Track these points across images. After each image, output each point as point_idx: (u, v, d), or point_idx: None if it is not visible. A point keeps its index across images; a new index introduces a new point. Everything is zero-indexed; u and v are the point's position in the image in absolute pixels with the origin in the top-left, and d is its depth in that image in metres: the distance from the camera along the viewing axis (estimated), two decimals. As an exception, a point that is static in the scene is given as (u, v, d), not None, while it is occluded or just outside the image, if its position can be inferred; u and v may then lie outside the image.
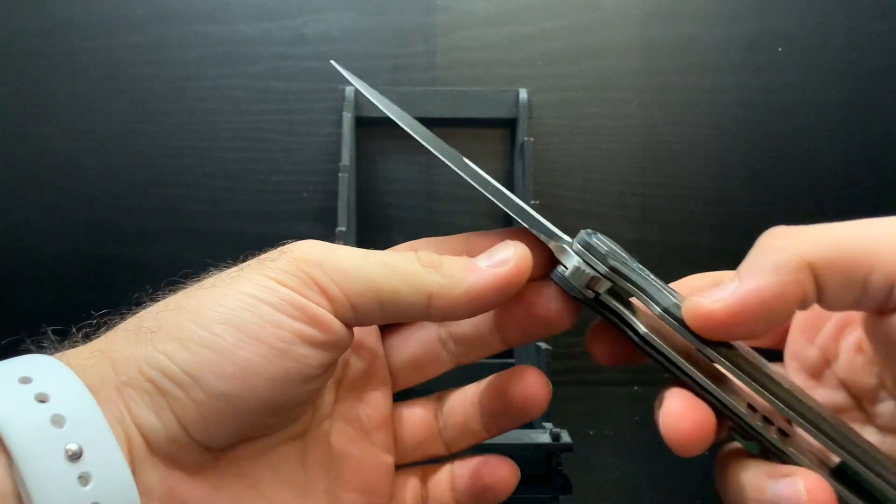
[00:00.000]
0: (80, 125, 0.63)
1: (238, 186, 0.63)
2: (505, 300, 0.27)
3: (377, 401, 0.30)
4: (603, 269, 0.26)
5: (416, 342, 0.31)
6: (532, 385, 0.29)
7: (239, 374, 0.23)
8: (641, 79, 0.64)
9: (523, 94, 0.62)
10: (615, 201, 0.64)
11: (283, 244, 0.26)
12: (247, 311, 0.24)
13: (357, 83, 0.33)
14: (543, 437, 0.51)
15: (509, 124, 0.63)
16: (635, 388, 0.65)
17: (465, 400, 0.31)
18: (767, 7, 0.65)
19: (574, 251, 0.27)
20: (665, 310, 0.26)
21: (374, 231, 0.64)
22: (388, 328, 0.31)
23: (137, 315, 0.25)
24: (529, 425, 0.55)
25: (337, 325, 0.25)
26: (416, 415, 0.31)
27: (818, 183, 0.65)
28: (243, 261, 0.26)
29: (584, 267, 0.26)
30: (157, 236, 0.63)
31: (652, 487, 0.65)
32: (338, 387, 0.29)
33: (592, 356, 0.29)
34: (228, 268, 0.26)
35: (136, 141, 0.63)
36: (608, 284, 0.26)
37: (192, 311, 0.24)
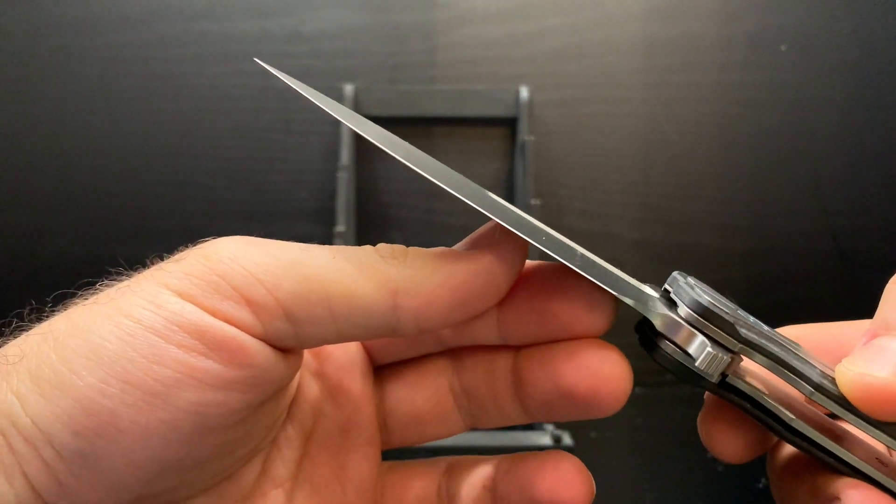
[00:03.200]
0: (75, 124, 0.62)
1: (236, 186, 0.63)
2: (495, 295, 0.20)
3: (358, 465, 0.23)
4: (736, 346, 0.20)
5: (423, 392, 0.23)
6: (567, 487, 0.21)
7: (98, 428, 0.17)
8: (643, 77, 0.64)
9: (524, 93, 0.61)
10: (617, 201, 0.64)
11: (200, 242, 0.20)
12: (118, 339, 0.18)
13: (302, 87, 0.22)
14: (545, 440, 0.51)
15: (510, 123, 0.63)
16: (637, 389, 0.64)
17: (477, 481, 0.23)
18: (770, 5, 0.64)
19: (687, 320, 0.20)
20: (818, 387, 0.20)
21: (373, 231, 0.63)
22: (386, 371, 0.24)
23: (10, 341, 0.19)
24: (530, 426, 0.55)
25: (258, 351, 0.18)
26: (412, 489, 0.23)
27: (821, 182, 0.65)
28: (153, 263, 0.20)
29: (718, 351, 0.19)
30: (154, 236, 0.62)
31: (653, 489, 0.65)
32: (306, 441, 0.22)
33: (719, 453, 0.22)
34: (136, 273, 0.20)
35: (132, 140, 0.62)
36: (739, 362, 0.20)
37: (59, 338, 0.18)
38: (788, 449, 0.23)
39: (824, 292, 0.64)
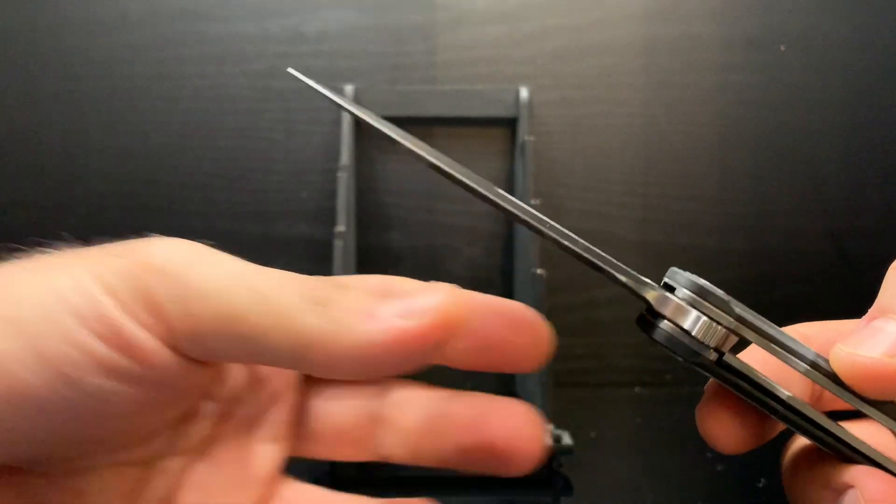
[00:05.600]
0: (76, 125, 0.62)
1: (237, 186, 0.63)
2: (413, 365, 0.19)
3: (260, 457, 0.22)
4: (731, 321, 0.20)
5: (348, 411, 0.22)
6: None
7: (4, 390, 0.17)
8: (643, 77, 0.64)
9: (524, 93, 0.61)
10: (617, 201, 0.64)
11: (146, 236, 0.20)
12: (39, 311, 0.18)
13: (329, 93, 0.22)
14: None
15: (510, 123, 0.63)
16: (637, 389, 0.64)
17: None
18: (770, 5, 0.64)
19: (683, 299, 0.20)
20: (813, 364, 0.21)
21: (373, 231, 0.63)
22: (322, 380, 0.23)
23: None
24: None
25: (164, 357, 0.19)
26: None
27: (821, 182, 0.65)
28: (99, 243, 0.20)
29: (714, 321, 0.20)
30: (155, 236, 0.62)
31: (653, 489, 0.65)
32: (219, 421, 0.22)
33: (716, 443, 0.22)
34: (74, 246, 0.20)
35: (133, 141, 0.62)
36: (734, 340, 0.21)
37: None
38: (798, 444, 0.24)
39: (824, 292, 0.64)
